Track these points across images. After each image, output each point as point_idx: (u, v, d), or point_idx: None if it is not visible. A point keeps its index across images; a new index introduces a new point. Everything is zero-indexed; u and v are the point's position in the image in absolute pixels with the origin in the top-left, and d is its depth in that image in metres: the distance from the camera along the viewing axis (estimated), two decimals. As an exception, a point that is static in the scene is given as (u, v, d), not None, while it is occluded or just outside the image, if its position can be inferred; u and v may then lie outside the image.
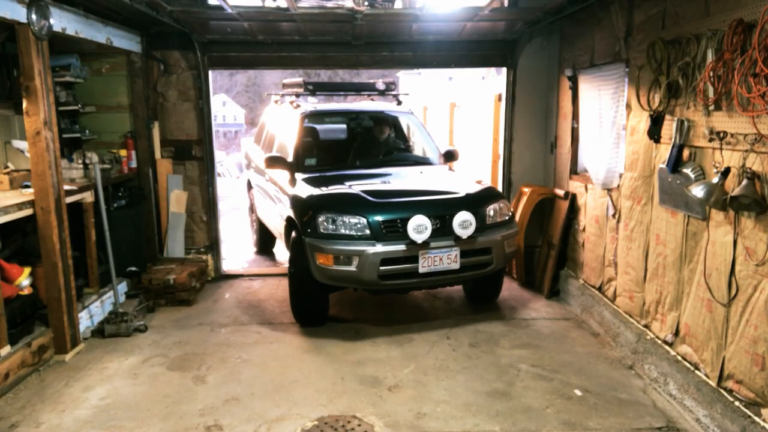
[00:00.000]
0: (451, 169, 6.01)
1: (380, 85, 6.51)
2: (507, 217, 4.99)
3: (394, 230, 4.51)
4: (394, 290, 4.95)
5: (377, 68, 6.36)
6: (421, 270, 4.50)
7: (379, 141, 6.32)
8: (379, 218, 4.51)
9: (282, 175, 5.63)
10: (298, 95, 6.32)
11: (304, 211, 4.74)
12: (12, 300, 4.04)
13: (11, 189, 4.56)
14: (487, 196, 5.02)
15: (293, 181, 5.31)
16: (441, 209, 4.65)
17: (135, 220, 5.90)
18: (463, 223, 4.53)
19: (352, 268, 4.42)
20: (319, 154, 6.13)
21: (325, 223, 4.53)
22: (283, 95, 6.99)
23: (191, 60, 6.08)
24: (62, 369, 4.19)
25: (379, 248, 4.43)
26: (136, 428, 3.43)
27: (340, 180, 5.19)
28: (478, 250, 4.68)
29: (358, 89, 6.96)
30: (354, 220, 4.51)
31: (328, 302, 5.01)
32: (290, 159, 5.64)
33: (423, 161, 6.13)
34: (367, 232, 4.49)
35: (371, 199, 4.70)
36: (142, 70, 5.96)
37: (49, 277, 4.22)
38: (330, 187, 5.03)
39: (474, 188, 5.11)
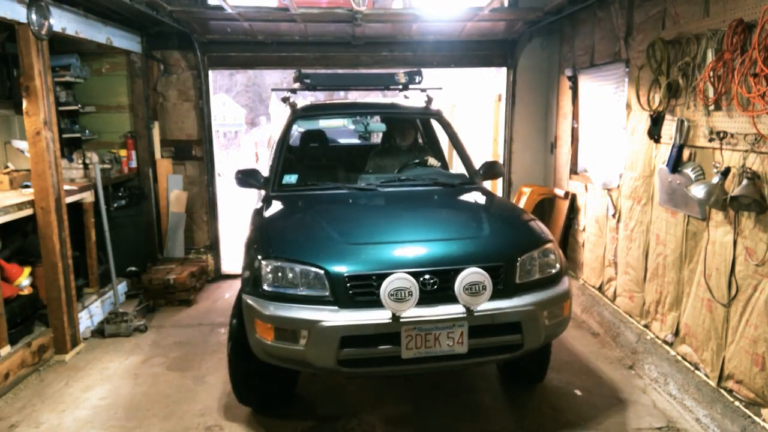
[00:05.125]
0: (486, 192, 4.22)
1: (401, 77, 4.88)
2: (553, 271, 3.25)
3: (367, 291, 2.95)
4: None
5: (377, 68, 6.30)
6: (404, 355, 2.91)
7: (397, 150, 4.91)
8: (344, 271, 2.96)
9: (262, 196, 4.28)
10: (294, 91, 5.07)
11: (246, 254, 3.31)
12: (12, 300, 4.04)
13: (11, 189, 4.56)
14: (521, 238, 3.35)
15: (261, 207, 3.91)
16: (439, 261, 3.05)
17: (135, 220, 5.90)
18: (472, 286, 2.88)
19: (299, 347, 2.92)
20: (308, 167, 4.77)
21: (270, 274, 3.04)
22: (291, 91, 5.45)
23: (191, 60, 6.08)
24: (62, 369, 4.19)
25: (339, 319, 2.88)
26: (136, 428, 3.43)
27: (317, 206, 3.82)
28: (499, 326, 3.02)
29: (373, 82, 5.33)
30: (308, 271, 2.99)
31: (294, 380, 3.59)
32: (268, 173, 4.28)
33: (450, 180, 4.31)
34: (326, 292, 2.96)
35: (340, 239, 3.19)
36: (142, 70, 5.96)
37: (49, 277, 4.21)
38: (294, 218, 3.70)
39: (505, 224, 3.56)
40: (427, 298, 2.94)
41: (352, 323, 2.89)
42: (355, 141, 6.53)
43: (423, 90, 5.02)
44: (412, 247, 3.18)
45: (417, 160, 4.66)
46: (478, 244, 3.22)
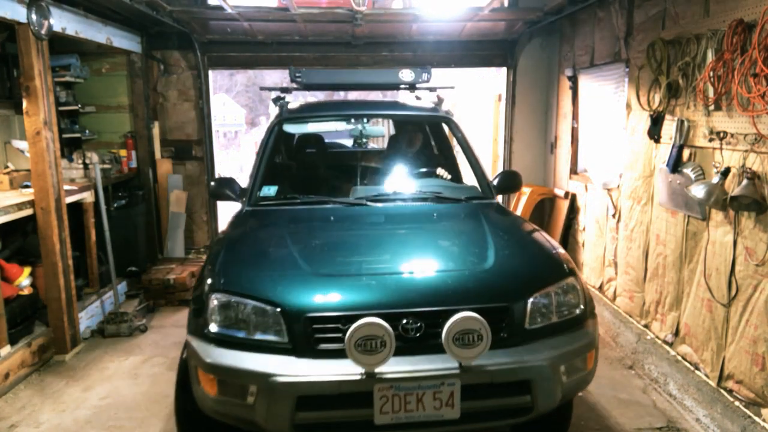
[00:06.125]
0: (499, 209, 3.65)
1: (406, 75, 4.35)
2: (576, 312, 2.67)
3: (334, 337, 2.38)
4: None
5: (377, 68, 6.29)
6: (378, 420, 2.32)
7: (399, 158, 4.33)
8: (304, 310, 2.40)
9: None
10: (285, 90, 4.58)
11: (196, 284, 2.84)
12: (12, 300, 4.03)
13: (11, 189, 4.56)
14: (535, 270, 2.75)
15: (231, 223, 3.44)
16: (425, 300, 2.46)
17: (135, 220, 5.90)
18: (464, 336, 2.27)
19: (247, 405, 2.35)
20: (293, 177, 4.25)
21: (218, 312, 2.50)
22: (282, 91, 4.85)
23: (191, 60, 6.09)
24: (62, 369, 4.19)
25: (296, 372, 2.31)
26: (136, 428, 3.43)
27: (291, 225, 3.23)
28: (501, 385, 2.41)
29: (373, 81, 4.80)
30: (262, 309, 2.44)
31: None
32: (248, 184, 3.76)
33: (456, 194, 3.69)
34: (282, 337, 2.40)
35: (307, 269, 2.63)
36: (142, 70, 5.97)
37: (49, 277, 4.21)
38: (260, 240, 3.11)
39: (515, 251, 2.91)
40: (409, 347, 2.36)
41: (311, 379, 2.29)
42: (352, 147, 5.79)
43: (432, 89, 4.56)
44: (394, 282, 2.59)
45: (420, 170, 4.08)
46: (477, 279, 2.60)
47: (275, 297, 2.45)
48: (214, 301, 2.51)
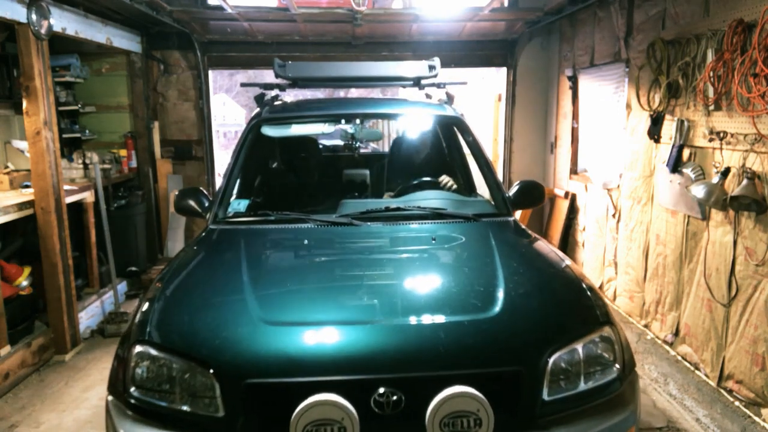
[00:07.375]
0: (516, 229, 2.92)
1: (409, 68, 4.00)
2: (612, 374, 1.98)
3: (283, 412, 1.75)
4: None
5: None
6: None
7: (399, 165, 3.84)
8: (245, 374, 1.80)
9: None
10: (267, 86, 4.00)
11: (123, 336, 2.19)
12: (12, 300, 4.03)
13: (11, 189, 4.56)
14: (557, 318, 2.09)
15: (188, 246, 2.91)
16: (406, 363, 1.83)
17: (135, 220, 5.90)
18: (455, 420, 1.72)
19: None
20: (268, 191, 3.70)
21: (142, 369, 1.95)
22: (264, 87, 4.10)
23: (191, 60, 6.09)
24: (62, 369, 4.19)
25: None
26: (136, 428, 3.43)
27: (254, 251, 2.63)
28: None
29: (373, 75, 4.04)
30: (191, 370, 1.87)
31: None
32: (219, 197, 3.09)
33: (463, 210, 2.96)
34: (214, 411, 1.82)
35: (257, 314, 1.99)
36: (142, 70, 5.97)
37: (49, 277, 4.21)
38: (210, 273, 2.42)
39: (532, 291, 2.21)
40: (384, 428, 1.78)
41: None
42: (342, 152, 4.95)
43: (440, 86, 4.06)
44: (368, 336, 1.90)
45: (422, 181, 3.46)
46: (479, 331, 1.92)
47: (209, 355, 1.85)
48: (136, 354, 1.96)
